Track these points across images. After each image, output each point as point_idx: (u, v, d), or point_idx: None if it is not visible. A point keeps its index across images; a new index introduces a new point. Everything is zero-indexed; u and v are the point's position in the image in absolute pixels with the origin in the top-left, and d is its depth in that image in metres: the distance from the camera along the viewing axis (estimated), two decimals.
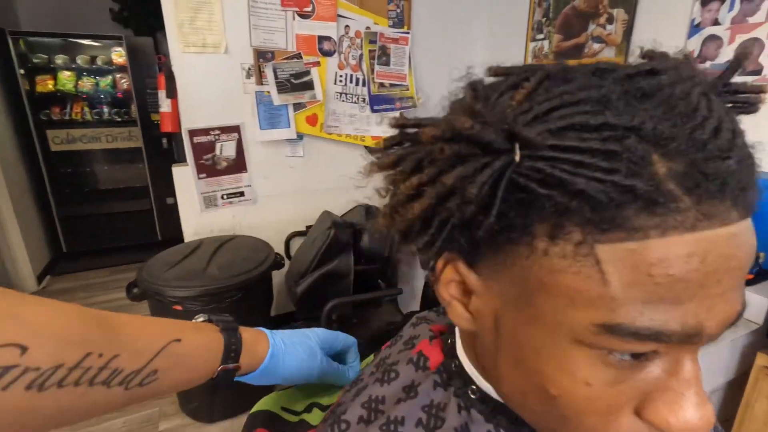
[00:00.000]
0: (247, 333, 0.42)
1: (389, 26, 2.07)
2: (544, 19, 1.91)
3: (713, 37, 1.30)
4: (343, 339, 0.51)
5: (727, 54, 1.28)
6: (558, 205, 0.20)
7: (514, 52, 2.10)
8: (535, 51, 1.98)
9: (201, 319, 0.43)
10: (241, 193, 2.01)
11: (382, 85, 2.13)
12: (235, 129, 1.91)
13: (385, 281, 1.98)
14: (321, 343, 0.48)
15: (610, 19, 1.60)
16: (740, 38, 1.24)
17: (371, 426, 0.33)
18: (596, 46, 1.67)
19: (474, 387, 0.32)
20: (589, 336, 0.21)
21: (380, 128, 2.18)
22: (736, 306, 0.21)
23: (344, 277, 1.79)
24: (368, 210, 1.94)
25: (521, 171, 0.20)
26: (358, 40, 2.04)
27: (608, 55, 1.63)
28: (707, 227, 0.19)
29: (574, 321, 0.21)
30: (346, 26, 1.99)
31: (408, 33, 2.11)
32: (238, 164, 1.96)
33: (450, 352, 0.35)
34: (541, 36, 1.94)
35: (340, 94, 2.07)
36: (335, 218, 1.90)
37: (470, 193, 0.20)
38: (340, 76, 2.05)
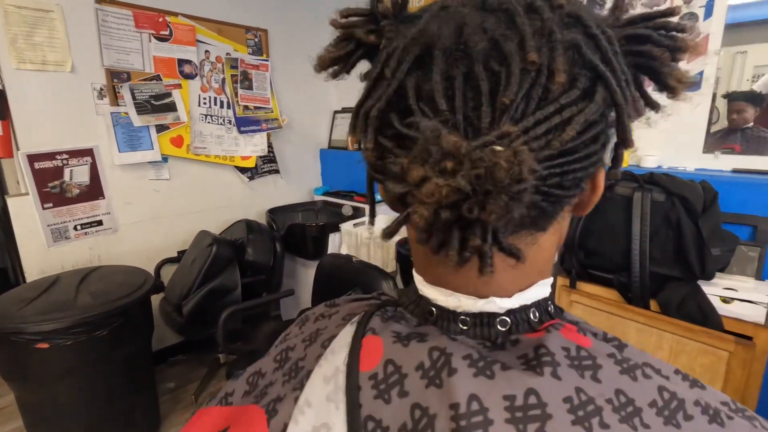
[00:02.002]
0: None
1: (249, 53, 2.21)
2: None
3: None
4: None
5: None
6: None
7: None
8: None
9: None
10: (99, 222, 1.84)
11: (247, 107, 2.23)
12: (88, 152, 1.77)
13: (269, 292, 2.04)
14: None
15: None
16: None
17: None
18: None
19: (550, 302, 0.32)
20: None
21: (249, 148, 2.26)
22: None
23: (231, 290, 1.81)
24: (249, 225, 1.99)
25: None
26: (219, 65, 2.11)
27: None
28: None
29: None
30: (207, 51, 2.05)
31: (267, 60, 2.28)
32: (94, 190, 1.80)
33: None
34: None
35: (206, 116, 2.10)
36: (215, 235, 1.90)
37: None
38: (204, 98, 2.08)
